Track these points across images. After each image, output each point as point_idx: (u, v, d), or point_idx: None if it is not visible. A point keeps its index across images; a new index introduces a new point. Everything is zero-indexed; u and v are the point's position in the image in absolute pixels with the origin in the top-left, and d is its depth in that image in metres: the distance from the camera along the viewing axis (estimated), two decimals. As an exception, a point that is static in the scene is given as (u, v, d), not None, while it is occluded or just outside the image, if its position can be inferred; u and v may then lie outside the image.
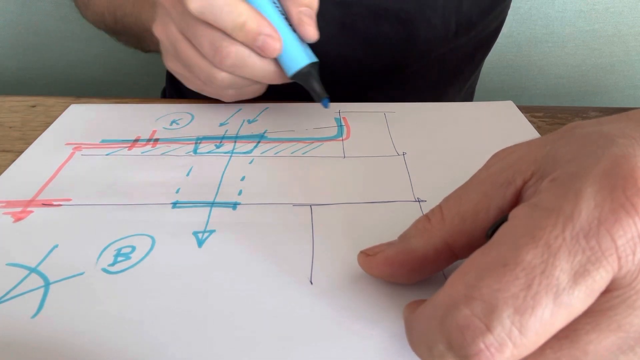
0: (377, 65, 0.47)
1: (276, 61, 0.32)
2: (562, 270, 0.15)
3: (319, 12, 0.44)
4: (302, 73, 0.32)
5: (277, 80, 0.33)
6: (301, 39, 0.32)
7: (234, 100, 0.37)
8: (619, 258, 0.14)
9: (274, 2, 0.32)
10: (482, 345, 0.15)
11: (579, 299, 0.15)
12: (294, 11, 0.32)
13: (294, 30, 0.32)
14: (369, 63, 0.47)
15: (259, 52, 0.31)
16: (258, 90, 0.37)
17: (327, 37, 0.45)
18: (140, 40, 0.48)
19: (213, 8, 0.29)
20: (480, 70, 0.60)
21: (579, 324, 0.15)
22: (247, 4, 0.30)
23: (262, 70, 0.32)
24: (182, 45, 0.33)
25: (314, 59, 0.33)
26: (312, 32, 0.32)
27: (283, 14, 0.32)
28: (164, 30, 0.34)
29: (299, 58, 0.32)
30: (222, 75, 0.33)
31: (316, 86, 0.33)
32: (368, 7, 0.43)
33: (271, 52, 0.31)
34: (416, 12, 0.44)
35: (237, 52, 0.31)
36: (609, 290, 0.15)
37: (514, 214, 0.17)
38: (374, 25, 0.45)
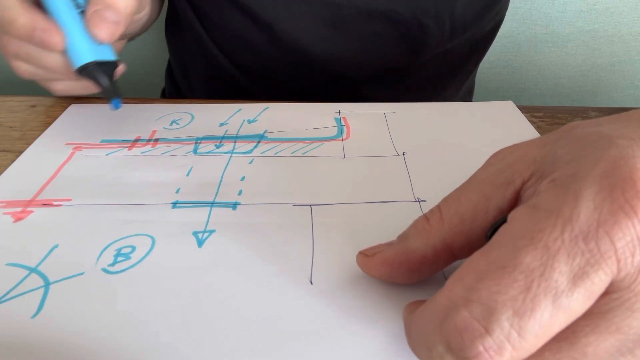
0: (369, 65, 0.48)
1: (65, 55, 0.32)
2: (561, 272, 0.15)
3: (310, 12, 0.44)
4: (87, 69, 0.31)
5: (66, 72, 0.33)
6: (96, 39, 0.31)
7: (64, 94, 0.37)
8: (618, 260, 0.14)
9: (75, 1, 0.31)
10: (481, 348, 0.15)
11: (578, 302, 0.15)
12: (89, 9, 0.31)
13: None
14: (361, 63, 0.47)
15: (40, 47, 0.31)
16: (84, 88, 0.36)
17: (319, 37, 0.45)
18: None
19: None
20: (476, 71, 0.60)
21: (577, 327, 0.15)
22: (26, 5, 0.30)
23: (51, 62, 0.32)
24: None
25: (105, 58, 0.32)
26: (101, 34, 0.30)
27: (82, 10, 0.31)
28: None
29: (83, 54, 0.31)
30: (20, 64, 0.33)
31: (102, 83, 0.32)
32: (358, 7, 0.43)
33: (51, 46, 0.30)
34: (406, 13, 0.44)
35: (16, 43, 0.31)
36: (608, 293, 0.15)
37: (513, 215, 0.17)
38: (365, 26, 0.45)
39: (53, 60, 0.32)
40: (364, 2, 0.43)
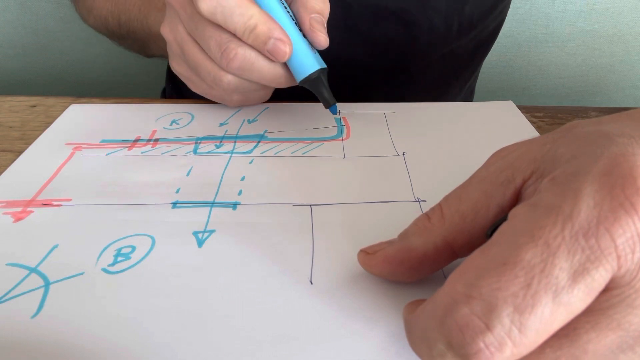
0: (378, 66, 0.47)
1: (284, 65, 0.33)
2: (562, 269, 0.15)
3: None
4: (311, 79, 0.32)
5: (284, 84, 0.33)
6: (311, 45, 0.32)
7: (239, 105, 0.37)
8: (619, 257, 0.14)
9: (285, 7, 0.32)
10: (481, 345, 0.15)
11: (579, 298, 0.15)
12: (305, 17, 0.31)
13: (305, 36, 0.32)
14: (370, 63, 0.47)
15: (269, 55, 0.31)
16: (264, 96, 0.37)
17: (329, 38, 0.45)
18: (144, 44, 0.48)
19: (224, 9, 0.29)
20: (479, 70, 0.60)
21: (578, 323, 0.15)
22: (258, 7, 0.30)
23: (270, 74, 0.32)
24: (189, 47, 0.33)
25: (324, 65, 0.33)
26: (323, 39, 0.32)
27: (294, 19, 0.32)
28: (171, 31, 0.34)
29: (309, 64, 0.32)
30: (229, 78, 0.33)
31: (325, 92, 0.33)
32: (369, 7, 0.43)
33: (281, 56, 0.31)
34: (418, 13, 0.44)
35: (245, 55, 0.31)
36: (609, 289, 0.15)
37: (514, 213, 0.17)
38: (376, 26, 0.44)
39: (270, 72, 0.32)
40: (376, 2, 0.43)
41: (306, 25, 0.32)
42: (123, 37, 0.49)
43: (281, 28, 0.31)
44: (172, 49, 0.35)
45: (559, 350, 0.15)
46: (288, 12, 0.32)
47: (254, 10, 0.30)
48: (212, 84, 0.33)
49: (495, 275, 0.15)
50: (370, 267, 0.22)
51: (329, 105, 0.34)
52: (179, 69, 0.36)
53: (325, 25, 0.32)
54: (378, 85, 0.49)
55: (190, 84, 0.36)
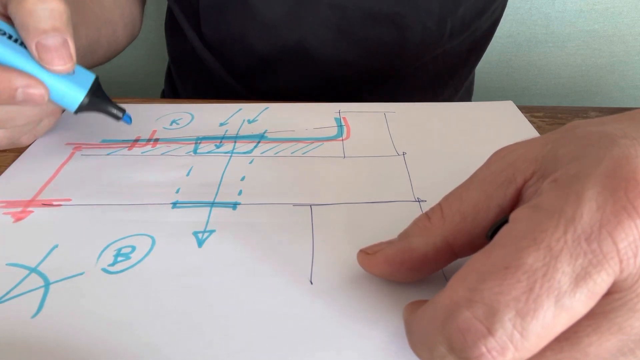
0: (371, 68, 0.48)
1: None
2: (564, 273, 0.15)
3: (315, 14, 0.44)
4: (84, 106, 0.29)
5: (60, 111, 0.30)
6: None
7: (33, 139, 0.33)
8: (621, 261, 0.14)
9: (17, 41, 0.27)
10: (483, 349, 0.15)
11: (581, 302, 0.15)
12: (32, 45, 0.26)
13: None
14: (363, 65, 0.47)
15: (25, 104, 0.27)
16: (49, 124, 0.33)
17: (323, 40, 0.45)
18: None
19: None
20: (474, 71, 0.60)
21: (580, 327, 0.15)
22: None
23: (37, 111, 0.29)
24: None
25: (89, 82, 0.29)
26: (58, 64, 0.26)
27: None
28: None
29: (72, 94, 0.28)
30: None
31: (109, 109, 0.30)
32: (363, 10, 0.43)
33: (39, 100, 0.26)
34: (412, 16, 0.44)
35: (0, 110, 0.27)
36: (610, 293, 0.15)
37: (515, 215, 0.17)
38: (369, 29, 0.45)
39: (35, 111, 0.29)
40: (370, 5, 0.43)
41: (35, 55, 0.26)
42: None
43: (20, 72, 0.26)
44: None
45: (560, 353, 0.15)
46: (21, 46, 0.27)
47: None
48: None
49: (497, 279, 0.15)
50: (370, 267, 0.22)
51: (119, 118, 0.30)
52: None
53: (64, 43, 0.27)
54: (371, 86, 0.49)
55: None
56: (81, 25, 0.37)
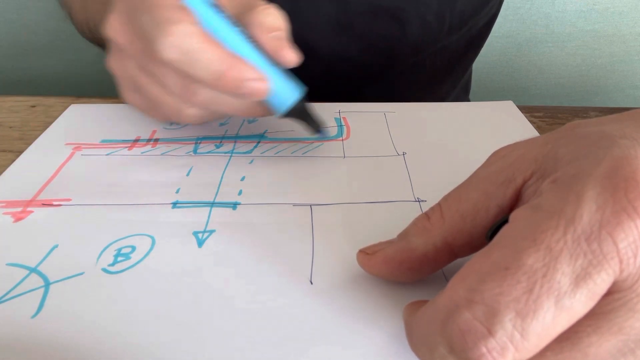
0: (370, 62, 0.48)
1: None
2: (564, 273, 0.15)
3: (315, 9, 0.44)
4: (294, 109, 0.29)
5: (260, 114, 0.30)
6: (282, 69, 0.29)
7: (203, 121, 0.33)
8: (621, 261, 0.14)
9: (246, 34, 0.28)
10: (484, 349, 0.15)
11: (581, 302, 0.15)
12: (266, 39, 0.28)
13: (273, 62, 0.28)
14: (362, 60, 0.47)
15: (246, 97, 0.28)
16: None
17: (322, 34, 0.45)
18: None
19: (186, 57, 0.26)
20: (472, 68, 0.60)
21: (580, 327, 0.15)
22: (222, 49, 0.26)
23: (241, 106, 0.29)
24: (143, 82, 0.29)
25: (302, 89, 0.30)
26: (291, 56, 0.28)
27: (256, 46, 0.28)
28: (120, 67, 0.30)
29: (288, 93, 0.29)
30: (192, 111, 0.30)
31: (312, 119, 0.30)
32: (363, 4, 0.43)
33: (261, 94, 0.27)
34: (411, 9, 0.44)
35: (209, 92, 0.28)
36: (611, 293, 0.15)
37: (515, 216, 0.17)
38: (369, 23, 0.45)
39: (240, 102, 0.29)
40: None
41: (270, 47, 0.28)
42: (97, 43, 0.47)
43: (251, 66, 0.27)
44: (123, 83, 0.32)
45: (560, 353, 0.15)
46: (250, 39, 0.28)
47: (219, 54, 0.26)
48: (172, 115, 0.31)
49: (497, 279, 0.15)
50: (369, 267, 0.22)
51: (318, 132, 0.31)
52: (133, 101, 0.32)
53: (288, 40, 0.29)
54: (370, 80, 0.49)
55: (149, 114, 0.33)
56: None
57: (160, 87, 0.29)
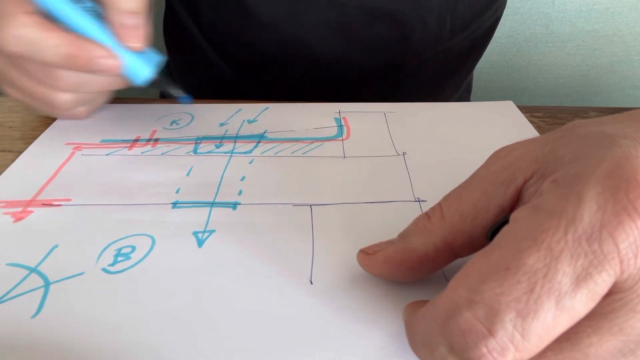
0: (371, 65, 0.48)
1: None
2: (565, 273, 0.15)
3: (314, 12, 0.44)
4: (150, 80, 0.31)
5: (126, 84, 0.32)
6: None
7: (89, 114, 0.36)
8: (621, 261, 0.14)
9: (99, 14, 0.29)
10: (484, 349, 0.15)
11: (581, 303, 0.15)
12: (114, 22, 0.29)
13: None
14: (363, 63, 0.47)
15: (100, 73, 0.29)
16: (102, 101, 0.36)
17: (322, 38, 0.45)
18: None
19: (31, 47, 0.27)
20: (474, 68, 0.60)
21: (580, 327, 0.15)
22: (65, 33, 0.28)
23: (108, 81, 0.31)
24: (13, 75, 0.31)
25: (156, 61, 0.31)
26: (134, 42, 0.29)
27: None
28: None
29: (138, 69, 0.31)
30: (64, 97, 0.31)
31: (168, 87, 0.32)
32: (363, 7, 0.43)
33: (113, 71, 0.29)
34: (411, 13, 0.44)
35: (71, 74, 0.29)
36: (611, 294, 0.15)
37: (516, 216, 0.17)
38: (369, 26, 0.45)
39: (107, 80, 0.31)
40: (369, 2, 0.43)
41: (116, 31, 0.29)
42: None
43: (100, 44, 0.29)
44: (1, 78, 0.33)
45: (561, 354, 0.15)
46: (101, 20, 0.29)
47: (61, 38, 0.28)
48: (47, 105, 0.32)
49: (498, 279, 0.15)
50: (369, 267, 0.22)
51: (177, 98, 0.33)
52: (13, 95, 0.33)
53: (141, 24, 0.30)
54: (372, 84, 0.49)
55: (30, 107, 0.34)
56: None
57: (29, 78, 0.31)
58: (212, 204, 0.28)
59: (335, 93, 0.44)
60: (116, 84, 0.32)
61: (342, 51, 0.46)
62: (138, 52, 0.30)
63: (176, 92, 0.33)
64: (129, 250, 0.25)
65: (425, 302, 0.18)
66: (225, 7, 0.45)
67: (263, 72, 0.49)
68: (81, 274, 0.24)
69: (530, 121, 0.37)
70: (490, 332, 0.15)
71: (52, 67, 0.29)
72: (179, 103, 0.34)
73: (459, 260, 0.21)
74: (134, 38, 0.29)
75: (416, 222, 0.21)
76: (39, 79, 0.30)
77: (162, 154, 0.33)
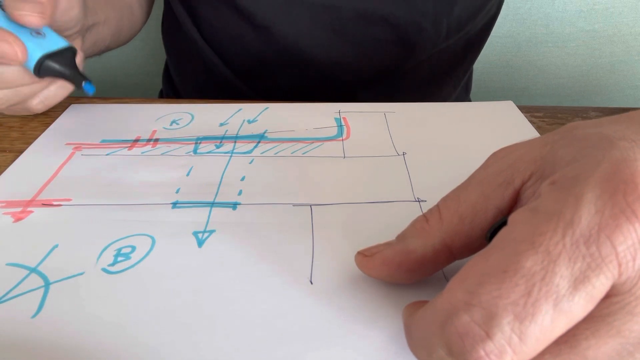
0: (367, 68, 0.48)
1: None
2: (562, 276, 0.14)
3: (308, 15, 0.44)
4: (44, 66, 0.30)
5: (29, 80, 0.31)
6: (32, 29, 0.29)
7: (44, 109, 0.35)
8: (619, 264, 0.14)
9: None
10: (482, 352, 0.15)
11: (579, 306, 0.15)
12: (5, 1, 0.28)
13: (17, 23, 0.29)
14: (359, 65, 0.47)
15: (1, 61, 0.28)
16: (60, 94, 0.34)
17: (317, 41, 0.45)
18: None
19: None
20: (472, 69, 0.60)
21: (578, 330, 0.15)
22: None
23: (12, 75, 0.30)
24: None
25: (55, 47, 0.30)
26: (28, 17, 0.28)
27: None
28: None
29: (31, 52, 0.29)
30: None
31: (65, 73, 0.31)
32: (357, 11, 0.43)
33: (14, 56, 0.28)
34: (406, 17, 0.44)
35: None
36: (609, 296, 0.15)
37: (514, 218, 0.17)
38: (364, 29, 0.45)
39: (15, 73, 0.30)
40: (364, 6, 0.43)
41: (8, 8, 0.28)
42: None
43: None
44: None
45: (559, 356, 0.15)
46: None
47: None
48: None
49: (496, 282, 0.15)
50: (367, 269, 0.22)
51: (80, 86, 0.32)
52: None
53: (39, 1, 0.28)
54: (367, 86, 0.49)
55: None
56: (110, 11, 0.39)
57: None
58: (212, 204, 0.28)
59: (331, 95, 0.44)
60: (21, 79, 0.31)
61: (337, 54, 0.46)
62: (37, 37, 0.29)
63: (75, 78, 0.31)
64: (129, 250, 0.25)
65: (424, 302, 0.18)
66: (221, 10, 0.45)
67: (259, 75, 0.49)
68: (81, 274, 0.24)
69: (530, 121, 0.37)
70: (488, 335, 0.15)
71: None
72: (85, 89, 0.32)
73: (459, 261, 0.21)
74: (27, 8, 0.28)
75: (414, 224, 0.21)
76: None
77: (162, 154, 0.33)
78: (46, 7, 0.29)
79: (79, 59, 0.33)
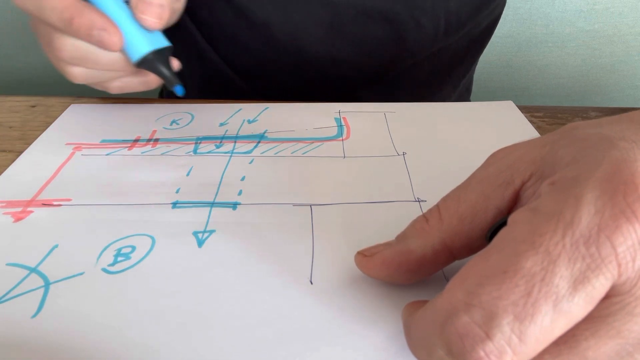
0: (366, 66, 0.47)
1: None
2: (562, 277, 0.14)
3: (306, 12, 0.44)
4: (146, 61, 0.31)
5: (126, 68, 0.32)
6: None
7: (119, 92, 0.36)
8: (619, 265, 0.14)
9: None
10: (481, 353, 0.15)
11: (579, 306, 0.15)
12: None
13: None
14: (358, 63, 0.47)
15: (99, 46, 0.30)
16: (139, 86, 0.35)
17: (316, 39, 0.45)
18: None
19: (37, 5, 0.28)
20: (474, 68, 0.60)
21: (578, 330, 0.15)
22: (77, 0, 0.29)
23: (108, 61, 0.31)
24: (39, 39, 0.32)
25: (161, 45, 0.32)
26: (150, 21, 0.30)
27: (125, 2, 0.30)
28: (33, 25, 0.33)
29: (139, 46, 0.31)
30: (74, 71, 0.32)
31: (164, 72, 0.32)
32: (356, 7, 0.43)
33: (110, 45, 0.29)
34: (404, 13, 0.44)
35: (72, 46, 0.30)
36: (609, 297, 0.15)
37: (514, 218, 0.17)
38: (362, 26, 0.44)
39: (110, 58, 0.31)
40: (362, 2, 0.43)
41: (132, 6, 0.30)
42: None
43: (103, 16, 0.29)
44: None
45: (558, 357, 0.15)
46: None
47: (67, 2, 0.28)
48: (66, 75, 0.33)
49: (496, 283, 0.15)
50: (367, 269, 0.22)
51: (171, 86, 0.33)
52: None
53: (160, 2, 0.30)
54: (368, 84, 0.49)
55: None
56: None
57: (45, 45, 0.32)
58: (212, 204, 0.28)
59: (330, 93, 0.44)
60: (116, 65, 0.32)
61: (336, 51, 0.46)
62: (146, 31, 0.31)
63: (169, 81, 0.32)
64: (129, 250, 0.25)
65: (424, 302, 0.18)
66: (218, 7, 0.45)
67: (259, 72, 0.49)
68: (81, 274, 0.24)
69: (530, 121, 0.37)
70: (488, 336, 0.15)
71: (55, 32, 0.30)
72: (173, 91, 0.33)
73: (459, 261, 0.21)
74: (150, 13, 0.30)
75: (414, 225, 0.21)
76: (48, 50, 0.31)
77: (162, 154, 0.33)
78: (165, 13, 0.30)
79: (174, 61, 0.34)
